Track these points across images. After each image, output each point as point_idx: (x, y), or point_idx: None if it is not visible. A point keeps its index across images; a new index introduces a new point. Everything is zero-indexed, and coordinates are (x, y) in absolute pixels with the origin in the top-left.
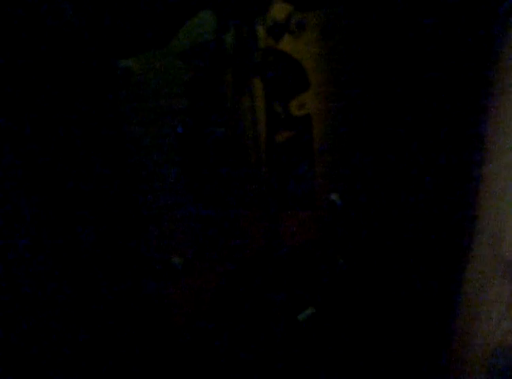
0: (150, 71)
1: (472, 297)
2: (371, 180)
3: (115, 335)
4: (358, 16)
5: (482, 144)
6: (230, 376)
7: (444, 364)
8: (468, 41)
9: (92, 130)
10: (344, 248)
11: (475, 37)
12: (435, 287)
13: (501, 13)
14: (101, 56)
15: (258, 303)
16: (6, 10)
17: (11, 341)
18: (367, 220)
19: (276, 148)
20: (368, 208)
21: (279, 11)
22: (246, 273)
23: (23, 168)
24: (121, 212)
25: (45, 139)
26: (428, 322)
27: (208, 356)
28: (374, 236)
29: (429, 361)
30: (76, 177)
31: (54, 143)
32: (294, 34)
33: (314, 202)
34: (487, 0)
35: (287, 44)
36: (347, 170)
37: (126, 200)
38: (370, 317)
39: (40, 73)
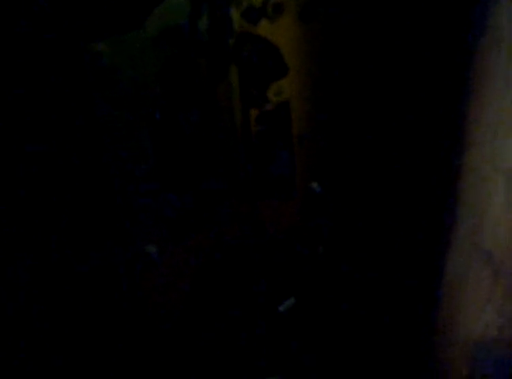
0: (122, 56)
1: (452, 289)
2: (350, 168)
3: (92, 329)
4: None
5: (461, 134)
6: (210, 367)
7: (425, 356)
8: (446, 32)
9: (63, 119)
10: (324, 236)
11: (453, 26)
12: (416, 278)
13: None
14: (71, 40)
15: (238, 293)
16: None
17: None
18: (346, 208)
19: (254, 136)
20: (348, 196)
21: None
22: (225, 262)
23: None
24: (94, 201)
25: (11, 128)
26: (409, 314)
27: (187, 348)
28: (354, 224)
29: (410, 353)
30: (46, 166)
31: (21, 132)
32: (271, 18)
33: (293, 190)
34: None
35: (263, 29)
36: (326, 158)
37: (99, 189)
38: (350, 308)
39: (3, 59)
